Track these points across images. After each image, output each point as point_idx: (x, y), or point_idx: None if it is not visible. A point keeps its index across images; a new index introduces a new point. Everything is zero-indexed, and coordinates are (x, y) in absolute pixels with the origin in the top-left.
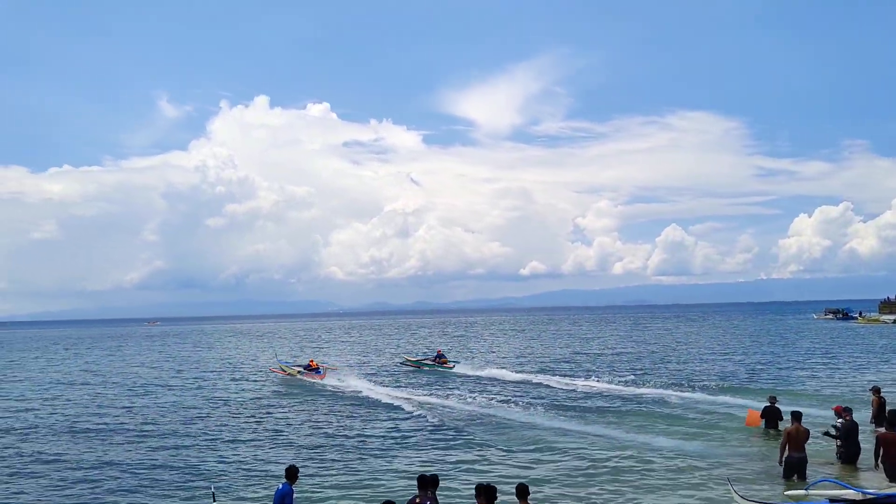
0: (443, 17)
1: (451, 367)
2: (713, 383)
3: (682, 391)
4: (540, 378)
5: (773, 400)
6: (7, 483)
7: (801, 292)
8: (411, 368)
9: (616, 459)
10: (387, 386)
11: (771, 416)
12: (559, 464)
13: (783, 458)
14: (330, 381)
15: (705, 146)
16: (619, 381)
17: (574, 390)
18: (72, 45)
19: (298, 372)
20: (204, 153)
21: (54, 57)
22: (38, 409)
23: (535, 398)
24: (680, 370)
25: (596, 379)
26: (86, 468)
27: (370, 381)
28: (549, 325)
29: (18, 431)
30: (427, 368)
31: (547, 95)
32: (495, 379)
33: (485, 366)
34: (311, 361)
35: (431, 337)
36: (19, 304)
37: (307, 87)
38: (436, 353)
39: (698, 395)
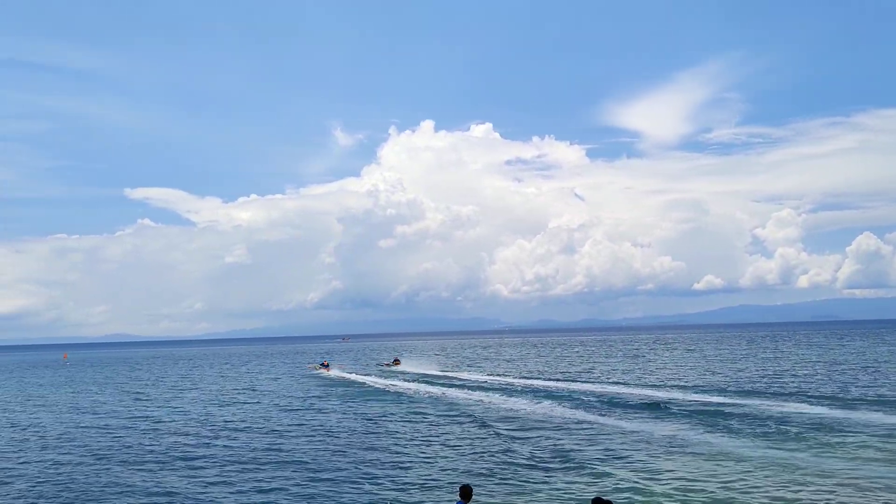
0: (602, 29)
1: (398, 365)
2: None
3: (876, 413)
4: (720, 398)
5: None
6: (176, 494)
7: None
8: (397, 368)
9: (805, 488)
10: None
11: None
12: (729, 491)
13: None
14: (334, 372)
15: None
16: (806, 402)
17: (753, 411)
18: (255, 84)
19: (319, 367)
20: (375, 178)
21: (240, 97)
22: (220, 419)
23: (716, 422)
24: (883, 392)
25: (780, 401)
26: (272, 480)
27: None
28: (726, 342)
29: (193, 444)
30: (391, 367)
31: (717, 102)
32: (672, 399)
33: (426, 363)
34: (325, 362)
35: (594, 353)
36: (216, 322)
37: (470, 108)
38: (393, 359)
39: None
